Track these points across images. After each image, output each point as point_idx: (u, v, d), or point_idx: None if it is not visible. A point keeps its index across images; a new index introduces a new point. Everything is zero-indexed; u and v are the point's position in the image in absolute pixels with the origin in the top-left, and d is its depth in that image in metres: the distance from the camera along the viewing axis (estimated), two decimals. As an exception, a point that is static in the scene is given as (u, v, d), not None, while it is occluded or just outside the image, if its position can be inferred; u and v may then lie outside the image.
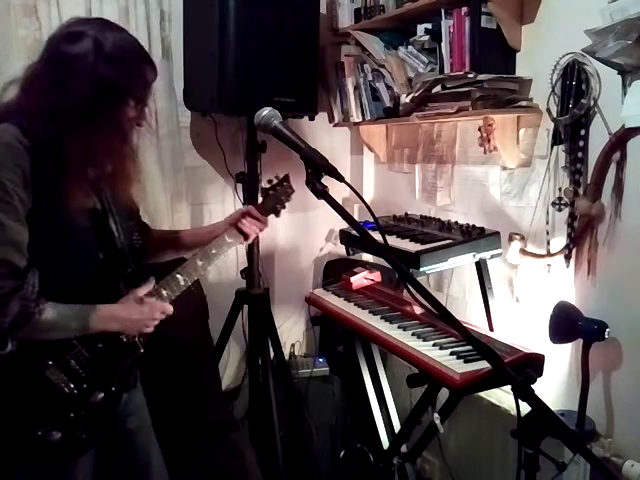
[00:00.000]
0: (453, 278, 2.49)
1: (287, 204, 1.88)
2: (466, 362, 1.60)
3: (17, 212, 1.26)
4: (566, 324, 1.84)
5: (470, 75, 1.98)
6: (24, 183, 1.26)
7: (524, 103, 2.02)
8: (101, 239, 1.47)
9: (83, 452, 1.45)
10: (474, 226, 2.04)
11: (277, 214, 1.86)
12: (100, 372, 1.44)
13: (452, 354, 1.66)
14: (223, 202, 2.79)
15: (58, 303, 1.33)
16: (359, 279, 2.33)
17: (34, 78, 1.32)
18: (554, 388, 2.03)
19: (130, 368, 1.51)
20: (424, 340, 1.77)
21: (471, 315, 2.36)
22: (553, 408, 1.12)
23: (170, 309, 1.51)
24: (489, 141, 2.09)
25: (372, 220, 1.25)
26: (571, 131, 1.86)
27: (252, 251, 2.47)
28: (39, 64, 1.34)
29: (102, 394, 1.44)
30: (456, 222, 2.12)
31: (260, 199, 1.87)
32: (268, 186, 1.85)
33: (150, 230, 1.76)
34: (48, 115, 1.28)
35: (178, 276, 1.54)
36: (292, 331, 3.03)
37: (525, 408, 1.04)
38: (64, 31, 1.34)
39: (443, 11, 2.11)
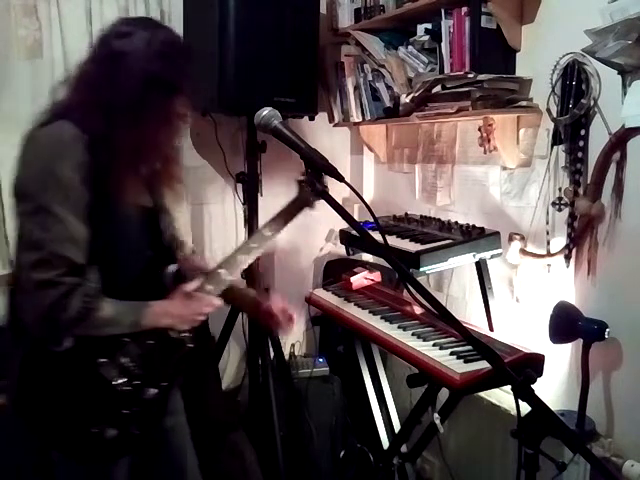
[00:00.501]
0: (453, 278, 2.49)
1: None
2: (466, 362, 1.60)
3: (77, 208, 1.27)
4: (566, 324, 1.84)
5: (470, 75, 1.98)
6: (83, 179, 1.27)
7: (524, 103, 2.02)
8: (151, 237, 1.50)
9: (135, 448, 1.48)
10: (474, 226, 2.04)
11: (312, 206, 1.85)
12: (151, 368, 1.45)
13: (452, 354, 1.66)
14: (223, 202, 2.80)
15: (113, 299, 1.35)
16: (359, 279, 2.33)
17: (87, 76, 1.35)
18: (554, 388, 2.03)
19: (179, 363, 1.53)
20: (424, 340, 1.77)
21: (471, 315, 2.36)
22: (553, 408, 1.12)
23: (218, 303, 1.53)
24: (489, 141, 2.09)
25: (372, 220, 1.26)
26: (571, 131, 1.86)
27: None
28: (90, 62, 1.36)
29: (154, 390, 1.45)
30: (456, 222, 2.12)
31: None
32: (302, 178, 1.84)
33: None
34: (102, 110, 1.29)
35: (221, 271, 1.55)
36: (292, 331, 3.03)
37: (525, 408, 1.04)
38: (114, 30, 1.37)
39: (443, 11, 2.12)
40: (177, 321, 1.45)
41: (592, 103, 1.82)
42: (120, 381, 1.40)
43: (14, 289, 1.36)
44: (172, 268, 1.53)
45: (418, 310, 1.99)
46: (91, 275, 1.31)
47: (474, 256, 1.95)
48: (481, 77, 1.96)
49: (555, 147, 1.95)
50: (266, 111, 1.26)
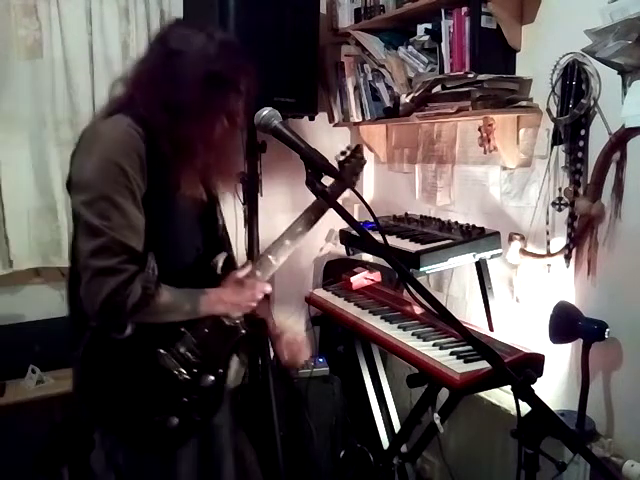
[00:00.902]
0: (453, 278, 2.49)
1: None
2: (466, 362, 1.60)
3: (136, 197, 1.31)
4: (566, 324, 1.84)
5: (470, 75, 1.98)
6: (141, 170, 1.31)
7: (524, 103, 2.02)
8: (204, 229, 1.54)
9: (196, 434, 1.51)
10: (474, 226, 2.04)
11: (353, 186, 1.86)
12: (208, 356, 1.48)
13: (452, 354, 1.66)
14: (223, 202, 2.79)
15: (170, 287, 1.38)
16: (359, 279, 2.33)
17: (147, 73, 1.38)
18: (554, 388, 2.03)
19: (234, 350, 1.57)
20: (424, 340, 1.77)
21: (471, 315, 2.36)
22: (553, 408, 1.12)
23: (269, 288, 1.58)
24: (489, 141, 2.09)
25: (372, 220, 1.25)
26: (571, 131, 1.86)
27: (252, 251, 2.47)
28: (149, 60, 1.40)
29: (212, 377, 1.48)
30: (456, 222, 2.12)
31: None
32: (342, 158, 1.86)
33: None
34: (162, 106, 1.33)
35: (270, 257, 1.60)
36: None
37: (525, 408, 1.04)
38: (172, 30, 1.42)
39: (443, 11, 2.12)
40: (231, 308, 1.50)
41: (592, 103, 1.82)
42: (179, 370, 1.43)
43: (72, 280, 1.38)
44: (222, 256, 1.56)
45: (418, 310, 1.98)
46: (151, 262, 1.34)
47: (474, 256, 1.94)
48: (481, 77, 1.96)
49: (555, 147, 1.95)
50: (266, 111, 1.26)
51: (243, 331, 1.56)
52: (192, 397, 1.45)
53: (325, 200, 1.17)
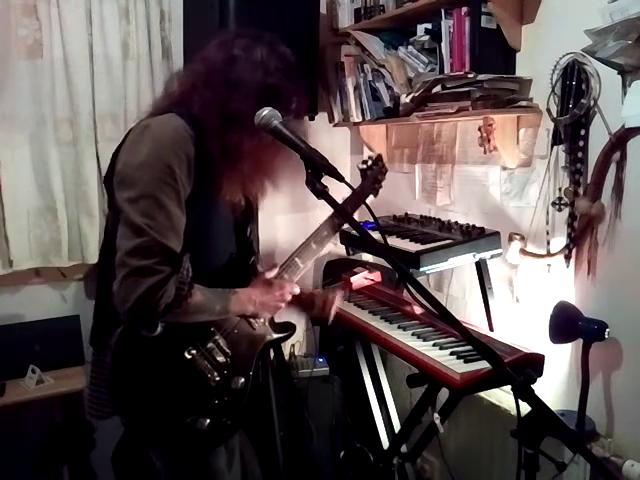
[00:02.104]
0: (453, 278, 2.49)
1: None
2: (466, 362, 1.60)
3: (180, 198, 1.32)
4: (566, 324, 1.84)
5: (470, 75, 1.97)
6: (188, 170, 1.32)
7: (524, 103, 2.02)
8: (239, 232, 1.57)
9: (228, 438, 1.52)
10: (474, 226, 2.04)
11: (375, 194, 1.90)
12: (238, 358, 1.50)
13: (452, 354, 1.66)
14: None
15: (202, 286, 1.38)
16: (359, 279, 2.32)
17: (207, 75, 1.37)
18: (554, 388, 2.03)
19: (263, 351, 1.59)
20: (424, 340, 1.77)
21: (471, 315, 2.36)
22: (553, 408, 1.12)
23: (297, 289, 1.60)
24: (489, 141, 2.09)
25: (372, 220, 1.25)
26: (571, 131, 1.86)
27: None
28: (209, 64, 1.39)
29: (242, 379, 1.50)
30: (456, 222, 2.12)
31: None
32: (364, 167, 1.89)
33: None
34: (218, 110, 1.34)
35: (297, 259, 1.63)
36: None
37: (525, 408, 1.04)
38: (235, 37, 1.41)
39: (443, 11, 2.11)
40: (260, 308, 1.51)
41: (592, 103, 1.82)
42: (210, 370, 1.44)
43: (103, 274, 1.39)
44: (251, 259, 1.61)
45: (418, 310, 1.99)
46: (186, 263, 1.34)
47: (474, 256, 1.95)
48: (481, 77, 1.95)
49: (555, 147, 1.94)
50: (266, 111, 1.26)
51: (272, 336, 1.60)
52: (223, 399, 1.46)
53: (326, 200, 1.17)
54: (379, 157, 1.96)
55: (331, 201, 1.15)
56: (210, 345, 1.45)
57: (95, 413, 1.51)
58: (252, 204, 1.60)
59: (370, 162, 1.91)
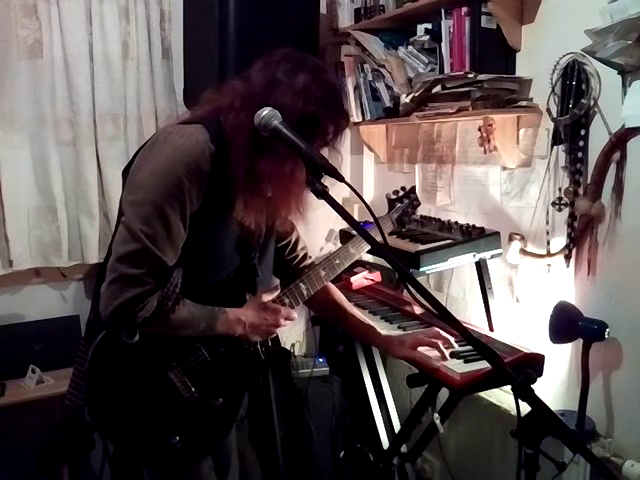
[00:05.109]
0: (453, 278, 2.49)
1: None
2: (466, 362, 1.60)
3: (184, 211, 1.29)
4: (566, 324, 1.84)
5: (470, 75, 1.98)
6: (198, 186, 1.29)
7: (524, 103, 2.02)
8: (243, 254, 1.48)
9: (200, 459, 1.46)
10: (474, 226, 2.04)
11: (403, 226, 1.82)
12: (221, 377, 1.44)
13: (452, 354, 1.66)
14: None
15: (190, 302, 1.35)
16: (359, 279, 2.33)
17: (245, 95, 1.33)
18: (554, 388, 2.03)
19: (250, 375, 1.51)
20: (424, 340, 1.77)
21: (471, 315, 2.36)
22: (553, 408, 1.12)
23: (295, 315, 1.51)
24: (489, 141, 2.09)
25: (372, 220, 1.25)
26: (571, 131, 1.86)
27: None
28: (252, 83, 1.34)
29: (221, 400, 1.44)
30: (456, 222, 2.12)
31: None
32: (394, 197, 1.81)
33: (307, 264, 1.72)
34: (250, 133, 1.29)
35: (301, 285, 1.53)
36: (292, 331, 3.02)
37: (525, 408, 1.04)
38: (281, 58, 1.36)
39: (443, 11, 2.11)
40: (250, 331, 1.43)
41: (592, 103, 1.82)
42: (188, 386, 1.40)
43: (101, 276, 1.35)
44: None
45: (418, 310, 1.98)
46: (176, 277, 1.31)
47: (474, 256, 1.95)
48: (481, 77, 1.96)
49: (555, 147, 1.95)
50: (266, 111, 1.25)
51: (263, 358, 1.50)
52: (198, 418, 1.42)
53: (326, 200, 1.16)
54: (412, 189, 1.85)
55: (331, 201, 1.15)
56: (192, 360, 1.40)
57: (70, 400, 1.45)
58: (270, 227, 1.52)
59: (401, 193, 1.82)
